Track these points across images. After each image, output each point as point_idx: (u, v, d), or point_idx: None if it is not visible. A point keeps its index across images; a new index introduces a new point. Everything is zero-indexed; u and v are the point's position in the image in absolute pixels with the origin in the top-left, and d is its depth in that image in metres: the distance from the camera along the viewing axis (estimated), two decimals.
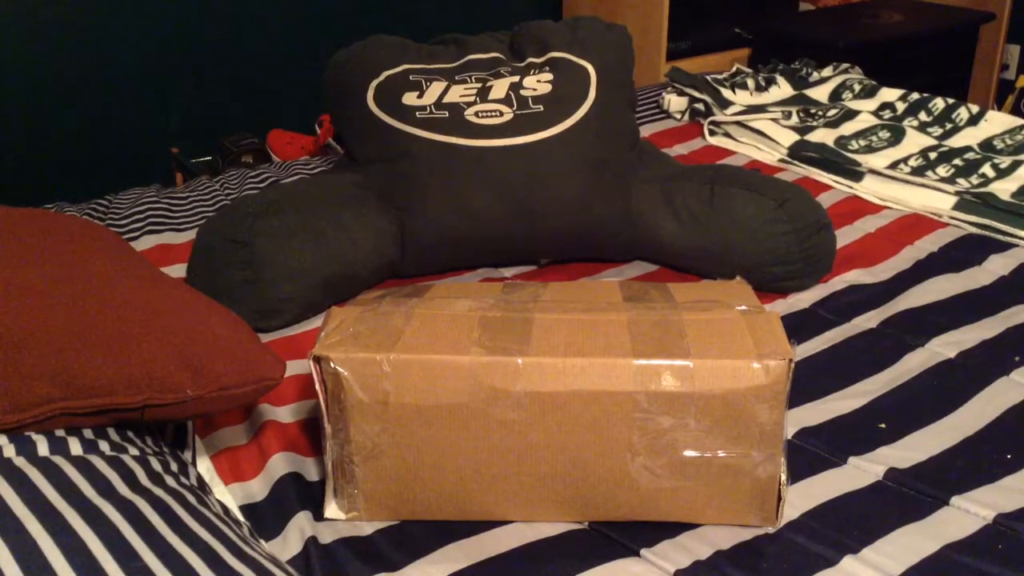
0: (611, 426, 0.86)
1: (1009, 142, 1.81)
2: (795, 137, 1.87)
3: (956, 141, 1.85)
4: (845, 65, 2.23)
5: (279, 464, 1.00)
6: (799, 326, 1.27)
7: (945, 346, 1.20)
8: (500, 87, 1.39)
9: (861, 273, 1.40)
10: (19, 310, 0.83)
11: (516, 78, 1.40)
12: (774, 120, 1.94)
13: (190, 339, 0.87)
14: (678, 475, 0.88)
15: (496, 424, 0.87)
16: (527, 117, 1.37)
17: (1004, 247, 1.46)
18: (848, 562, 0.85)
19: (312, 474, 0.99)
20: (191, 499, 0.78)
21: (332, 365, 0.86)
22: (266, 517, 0.93)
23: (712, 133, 1.97)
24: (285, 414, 1.09)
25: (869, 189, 1.68)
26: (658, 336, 0.89)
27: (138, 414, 0.84)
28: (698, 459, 0.87)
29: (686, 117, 2.07)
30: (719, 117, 1.96)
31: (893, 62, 2.85)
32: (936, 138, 1.86)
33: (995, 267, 1.41)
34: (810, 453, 1.01)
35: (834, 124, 1.93)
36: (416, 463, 0.89)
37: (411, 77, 1.40)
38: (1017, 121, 1.88)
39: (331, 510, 0.92)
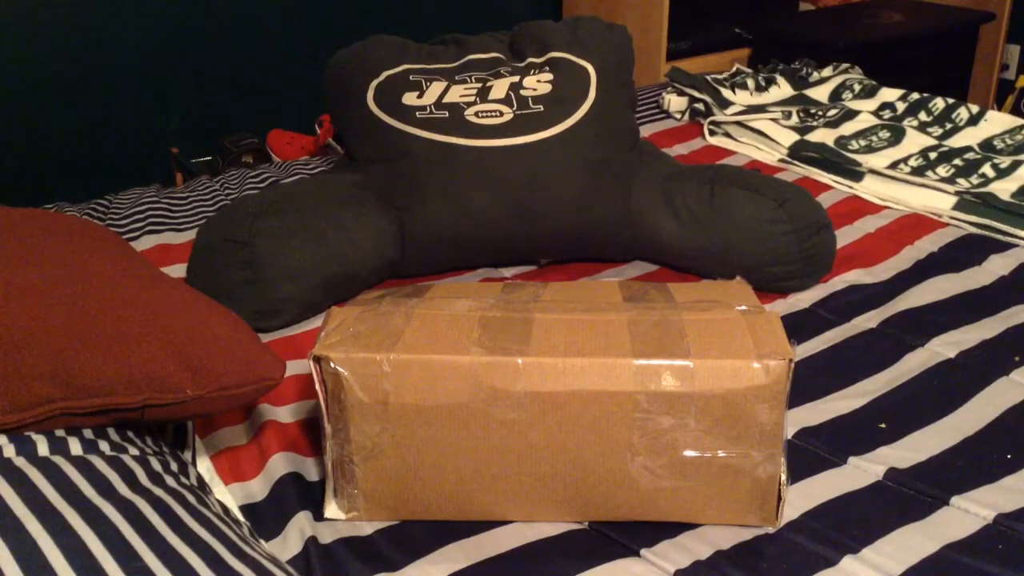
0: (611, 426, 0.86)
1: (1009, 142, 1.81)
2: (795, 137, 1.87)
3: (956, 141, 1.85)
4: (845, 65, 2.23)
5: (279, 464, 1.00)
6: (799, 326, 1.27)
7: (945, 346, 1.20)
8: (500, 87, 1.39)
9: (861, 273, 1.40)
10: (19, 310, 0.83)
11: (516, 78, 1.40)
12: (774, 120, 1.94)
13: (190, 339, 0.87)
14: (678, 475, 0.88)
15: (496, 424, 0.87)
16: (527, 117, 1.37)
17: (1004, 247, 1.46)
18: (848, 562, 0.85)
19: (312, 474, 0.99)
20: (191, 499, 0.78)
21: (332, 365, 0.86)
22: (266, 517, 0.93)
23: (712, 133, 1.97)
24: (285, 414, 1.09)
25: (869, 189, 1.68)
26: (658, 336, 0.89)
27: (138, 414, 0.84)
28: (698, 459, 0.87)
29: (686, 117, 2.07)
30: (719, 117, 1.96)
31: (893, 62, 2.85)
32: (936, 138, 1.86)
33: (995, 267, 1.41)
34: (810, 453, 1.01)
35: (834, 124, 1.93)
36: (416, 463, 0.89)
37: (411, 77, 1.40)
38: (1017, 121, 1.88)
39: (331, 510, 0.92)
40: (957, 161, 1.73)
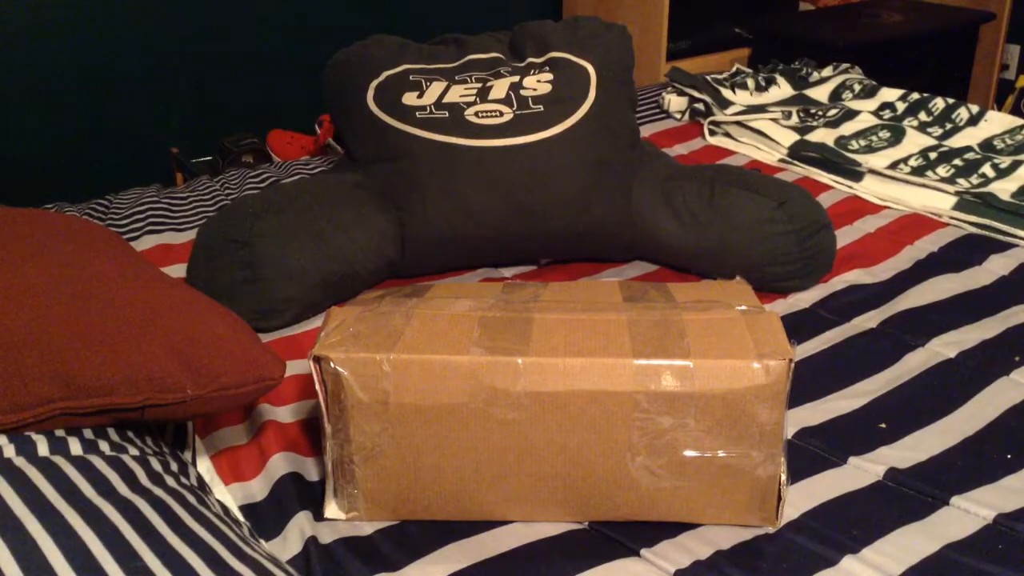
0: (611, 426, 0.86)
1: (1009, 142, 1.81)
2: (795, 137, 1.87)
3: (956, 141, 1.85)
4: (845, 65, 2.23)
5: (279, 464, 1.00)
6: (799, 326, 1.27)
7: (945, 346, 1.20)
8: (500, 87, 1.39)
9: (861, 273, 1.40)
10: (19, 310, 0.83)
11: (516, 78, 1.40)
12: (774, 120, 1.94)
13: (190, 339, 0.87)
14: (678, 475, 0.88)
15: (496, 424, 0.87)
16: (527, 117, 1.37)
17: (1004, 247, 1.46)
18: (848, 562, 0.85)
19: (312, 474, 0.99)
20: (191, 499, 0.78)
21: (332, 365, 0.86)
22: (266, 517, 0.93)
23: (712, 133, 1.97)
24: (285, 414, 1.09)
25: (869, 189, 1.68)
26: (658, 336, 0.89)
27: (138, 414, 0.84)
28: (698, 459, 0.87)
29: (686, 117, 2.07)
30: (719, 117, 1.96)
31: (893, 62, 2.85)
32: (936, 138, 1.86)
33: (995, 267, 1.41)
34: (810, 453, 1.01)
35: (834, 124, 1.93)
36: (416, 463, 0.89)
37: (411, 77, 1.40)
38: (1017, 121, 1.88)
39: (331, 510, 0.92)
40: (957, 161, 1.73)
